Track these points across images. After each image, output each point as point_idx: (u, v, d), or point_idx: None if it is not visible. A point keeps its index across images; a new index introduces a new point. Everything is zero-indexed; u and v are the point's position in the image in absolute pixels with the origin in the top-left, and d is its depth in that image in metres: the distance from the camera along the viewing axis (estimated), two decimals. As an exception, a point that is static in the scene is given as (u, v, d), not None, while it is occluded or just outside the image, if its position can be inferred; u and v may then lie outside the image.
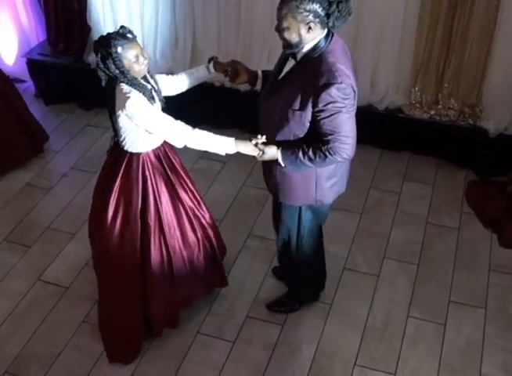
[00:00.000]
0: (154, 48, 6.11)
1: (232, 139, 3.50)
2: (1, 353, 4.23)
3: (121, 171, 3.74)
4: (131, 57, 3.39)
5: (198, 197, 4.11)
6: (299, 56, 3.29)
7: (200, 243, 4.13)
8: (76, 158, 5.91)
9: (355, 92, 3.27)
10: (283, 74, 3.39)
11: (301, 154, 3.37)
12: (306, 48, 3.23)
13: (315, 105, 3.21)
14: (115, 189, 3.76)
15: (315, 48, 3.22)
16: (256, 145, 3.46)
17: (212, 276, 4.37)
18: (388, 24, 5.28)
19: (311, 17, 3.09)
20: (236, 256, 4.87)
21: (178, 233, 3.98)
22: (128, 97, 3.39)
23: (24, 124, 5.74)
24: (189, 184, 4.03)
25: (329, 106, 3.18)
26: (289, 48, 3.27)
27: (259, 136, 3.44)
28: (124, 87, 3.43)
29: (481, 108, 5.42)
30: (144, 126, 3.47)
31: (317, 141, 3.32)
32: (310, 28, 3.13)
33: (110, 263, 3.95)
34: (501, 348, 4.22)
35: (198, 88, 3.89)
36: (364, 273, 4.65)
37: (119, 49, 3.33)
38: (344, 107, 3.20)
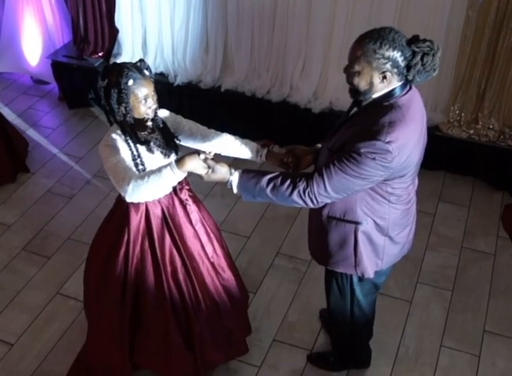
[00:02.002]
0: (184, 53, 6.00)
1: (173, 164, 2.98)
2: (17, 369, 4.11)
3: (113, 212, 3.54)
4: (140, 95, 3.03)
5: (207, 260, 3.65)
6: (364, 103, 2.89)
7: (170, 318, 3.61)
8: (99, 165, 5.72)
9: (405, 167, 2.84)
10: (346, 117, 3.01)
11: (264, 181, 2.93)
12: (376, 95, 2.83)
13: (345, 146, 2.79)
14: (107, 229, 3.58)
15: (387, 95, 2.81)
16: (204, 161, 3.01)
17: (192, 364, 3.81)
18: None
19: (388, 66, 2.71)
20: (263, 276, 4.71)
21: (151, 300, 3.58)
22: (105, 139, 3.14)
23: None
24: (192, 248, 3.58)
25: (354, 154, 2.73)
26: (355, 94, 2.87)
27: (207, 151, 3.02)
28: (113, 128, 3.15)
29: (522, 130, 5.29)
30: (107, 171, 3.13)
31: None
32: (385, 78, 2.74)
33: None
34: (537, 382, 4.08)
35: (228, 98, 3.68)
36: (396, 298, 4.49)
37: (130, 82, 2.99)
38: (367, 166, 2.74)
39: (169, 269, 3.51)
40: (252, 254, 4.77)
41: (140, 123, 3.16)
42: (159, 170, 3.01)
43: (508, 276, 4.76)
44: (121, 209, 3.42)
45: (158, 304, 3.56)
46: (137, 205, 3.34)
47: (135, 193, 3.03)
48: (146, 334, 3.67)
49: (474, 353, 4.22)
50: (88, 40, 6.35)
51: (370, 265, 3.27)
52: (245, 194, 3.04)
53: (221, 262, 3.75)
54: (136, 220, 3.39)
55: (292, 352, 4.22)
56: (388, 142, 2.69)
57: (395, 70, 2.73)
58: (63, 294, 4.58)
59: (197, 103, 5.87)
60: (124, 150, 3.13)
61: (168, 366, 3.73)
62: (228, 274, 3.78)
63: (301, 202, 2.91)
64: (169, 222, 3.45)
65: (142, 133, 3.22)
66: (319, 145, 3.31)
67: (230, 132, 3.43)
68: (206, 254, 3.65)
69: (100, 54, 6.36)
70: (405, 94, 2.83)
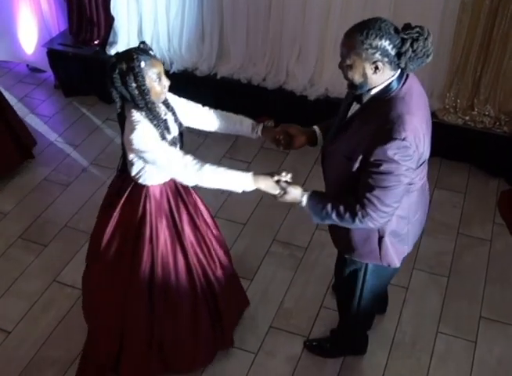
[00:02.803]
0: (180, 41, 5.99)
1: (250, 175, 3.12)
2: (14, 357, 4.11)
3: (123, 200, 3.47)
4: (153, 75, 3.04)
5: (210, 244, 3.76)
6: (365, 99, 2.86)
7: (199, 298, 3.75)
8: (95, 153, 5.77)
9: (422, 153, 2.84)
10: (349, 116, 2.98)
11: (329, 206, 2.96)
12: (374, 90, 2.81)
13: (367, 156, 2.78)
14: (114, 215, 3.50)
15: (385, 90, 2.79)
16: (277, 182, 3.11)
17: (214, 339, 3.98)
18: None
19: (377, 56, 2.66)
20: (259, 263, 4.71)
21: (173, 281, 3.63)
22: (134, 128, 3.07)
23: (12, 128, 5.46)
24: (201, 228, 3.69)
25: (382, 163, 2.74)
26: (353, 88, 2.85)
27: (283, 173, 3.11)
28: (135, 115, 3.11)
29: (518, 116, 5.28)
30: (149, 162, 3.16)
31: (352, 196, 2.92)
32: (377, 68, 2.70)
33: (93, 303, 3.79)
34: (534, 368, 4.09)
35: (224, 85, 3.67)
36: (392, 285, 4.45)
37: (142, 64, 2.99)
38: (398, 170, 2.75)
39: (190, 246, 3.63)
40: (248, 242, 4.77)
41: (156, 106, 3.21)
42: (235, 171, 3.13)
43: (504, 262, 4.76)
44: (138, 196, 3.43)
45: (188, 283, 3.68)
46: (156, 187, 3.41)
47: (205, 180, 3.13)
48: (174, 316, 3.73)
49: (470, 339, 4.23)
50: (83, 28, 6.32)
51: (397, 255, 3.29)
52: (314, 217, 3.09)
53: (214, 257, 3.82)
54: (157, 202, 3.45)
55: (289, 339, 4.22)
56: (404, 139, 2.70)
57: (386, 59, 2.69)
58: (60, 281, 4.58)
59: (193, 90, 5.85)
60: (155, 133, 3.16)
61: (197, 348, 3.88)
62: (218, 274, 3.85)
63: (365, 227, 2.97)
64: (184, 198, 3.57)
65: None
66: (316, 127, 3.34)
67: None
68: (211, 231, 3.79)
69: (96, 42, 6.32)
70: (403, 85, 2.81)
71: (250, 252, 4.63)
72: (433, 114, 5.31)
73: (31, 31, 6.59)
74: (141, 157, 3.15)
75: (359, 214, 2.89)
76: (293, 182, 3.15)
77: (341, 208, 2.93)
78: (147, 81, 3.03)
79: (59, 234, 4.95)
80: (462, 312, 4.41)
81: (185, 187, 3.57)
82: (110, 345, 3.80)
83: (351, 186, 2.94)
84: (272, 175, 3.13)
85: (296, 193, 3.08)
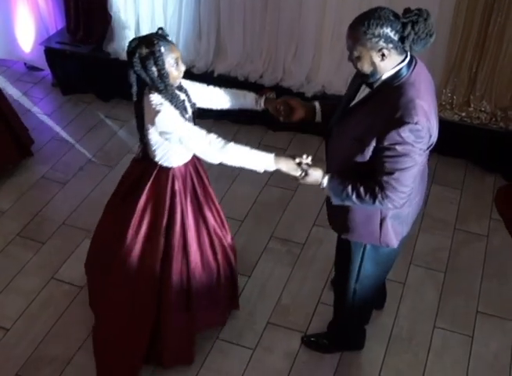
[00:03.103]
0: (177, 39, 5.98)
1: (272, 156, 3.20)
2: (11, 355, 4.11)
3: (148, 184, 3.56)
4: (171, 60, 3.18)
5: (222, 216, 3.93)
6: (376, 84, 2.95)
7: (220, 266, 3.93)
8: (93, 151, 5.78)
9: (431, 136, 2.93)
10: (355, 101, 3.08)
11: (349, 188, 3.03)
12: (385, 75, 2.89)
13: (381, 140, 2.86)
14: (141, 201, 3.58)
15: (395, 76, 2.88)
16: (299, 164, 3.17)
17: (229, 303, 4.20)
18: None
19: (382, 43, 2.75)
20: (257, 259, 4.73)
21: (198, 254, 3.77)
22: (159, 111, 3.19)
23: (11, 127, 5.46)
24: (215, 202, 3.86)
25: (397, 146, 2.83)
26: (364, 78, 2.95)
27: (304, 156, 3.16)
28: (155, 98, 3.24)
29: (514, 112, 5.29)
30: (175, 142, 3.27)
31: (371, 180, 3.00)
32: (384, 55, 2.78)
33: (125, 283, 3.79)
34: (530, 362, 4.11)
35: (222, 83, 3.73)
36: (390, 280, 4.48)
37: (162, 49, 3.14)
38: (412, 152, 2.85)
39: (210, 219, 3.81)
40: (246, 238, 4.78)
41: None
42: (257, 151, 3.23)
43: (501, 257, 4.78)
44: (165, 178, 3.55)
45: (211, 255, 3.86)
46: (181, 168, 3.56)
47: (228, 157, 3.23)
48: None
49: (467, 334, 4.25)
50: (81, 26, 6.32)
51: (396, 236, 3.36)
52: (334, 199, 3.15)
53: (226, 226, 4.01)
54: (184, 181, 3.60)
55: (286, 335, 4.24)
56: (416, 123, 2.80)
57: (391, 45, 2.77)
58: (58, 278, 4.58)
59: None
60: (177, 113, 3.28)
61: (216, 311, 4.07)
62: (229, 241, 4.04)
63: (384, 208, 3.08)
64: (202, 176, 3.74)
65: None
66: (316, 103, 3.43)
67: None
68: (218, 213, 3.93)
69: (93, 40, 6.32)
70: (412, 71, 2.89)
71: (248, 249, 4.64)
72: (429, 111, 5.37)
73: (29, 30, 6.59)
74: (166, 139, 3.28)
75: (379, 196, 2.98)
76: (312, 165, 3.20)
77: (362, 190, 3.01)
78: (166, 66, 3.16)
79: (57, 232, 4.96)
80: (459, 307, 4.43)
81: (202, 166, 3.73)
82: (143, 336, 3.85)
83: (356, 167, 3.04)
84: (293, 157, 3.19)
85: (317, 175, 3.13)
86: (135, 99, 3.33)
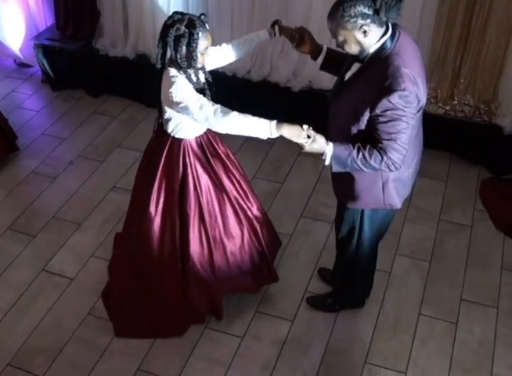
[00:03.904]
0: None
1: (274, 122, 3.23)
2: (3, 345, 4.16)
3: (164, 155, 3.73)
4: (202, 47, 3.34)
5: (246, 188, 4.04)
6: (366, 59, 3.13)
7: (245, 235, 4.06)
8: (83, 146, 5.83)
9: (419, 100, 3.09)
10: (349, 74, 3.25)
11: (355, 152, 3.14)
12: (372, 49, 3.07)
13: (373, 109, 3.04)
14: (158, 173, 3.76)
15: (381, 49, 3.05)
16: (306, 131, 3.17)
17: (260, 272, 4.27)
18: (405, 18, 5.17)
19: (360, 21, 2.93)
20: (245, 250, 4.76)
21: (220, 222, 3.93)
22: (173, 82, 3.34)
23: None
24: (236, 174, 3.96)
25: (388, 112, 3.01)
26: (355, 57, 3.17)
27: (305, 126, 3.19)
28: (172, 72, 3.38)
29: (497, 105, 5.35)
30: (185, 112, 3.38)
31: (372, 146, 3.16)
32: (365, 32, 2.96)
33: (149, 250, 3.96)
34: (513, 347, 4.19)
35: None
36: (376, 270, 4.54)
37: (200, 34, 3.28)
38: (404, 116, 3.03)
39: (230, 191, 3.95)
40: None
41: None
42: (259, 118, 3.27)
43: (484, 246, 4.85)
44: (177, 150, 3.72)
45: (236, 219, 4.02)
46: (192, 140, 3.72)
47: (230, 125, 3.31)
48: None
49: (451, 321, 4.31)
50: (70, 23, 6.36)
51: (399, 198, 3.54)
52: (336, 165, 3.23)
53: (250, 198, 4.14)
54: (195, 153, 3.75)
55: (274, 323, 4.30)
56: (404, 89, 2.97)
57: (369, 20, 2.94)
58: (48, 270, 4.64)
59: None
60: (190, 85, 3.43)
61: (245, 278, 4.21)
62: (256, 213, 4.18)
63: (387, 170, 3.21)
64: (217, 149, 3.88)
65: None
66: (325, 46, 3.60)
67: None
68: (240, 185, 4.06)
69: (82, 37, 6.35)
70: (396, 42, 3.06)
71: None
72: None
73: (18, 26, 6.62)
74: (177, 110, 3.40)
75: (384, 158, 3.12)
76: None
77: (367, 154, 3.13)
78: (197, 50, 3.31)
79: (48, 225, 5.01)
80: (443, 294, 4.49)
81: (217, 139, 3.87)
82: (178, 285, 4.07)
83: (355, 138, 3.19)
84: (301, 124, 3.21)
85: (322, 142, 3.19)
86: (159, 66, 3.45)
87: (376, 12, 2.92)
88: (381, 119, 3.05)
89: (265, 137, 3.30)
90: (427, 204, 5.20)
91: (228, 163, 3.92)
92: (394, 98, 2.98)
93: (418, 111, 3.17)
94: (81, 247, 4.81)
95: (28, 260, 4.72)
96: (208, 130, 3.74)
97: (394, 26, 3.10)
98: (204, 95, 3.52)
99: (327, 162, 3.22)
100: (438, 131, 5.50)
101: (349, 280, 4.19)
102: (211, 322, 4.28)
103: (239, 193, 3.99)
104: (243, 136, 3.39)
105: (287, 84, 5.78)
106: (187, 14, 3.35)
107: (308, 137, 3.16)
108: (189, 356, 4.09)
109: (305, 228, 4.97)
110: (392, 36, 3.07)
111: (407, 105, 3.01)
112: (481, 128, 5.38)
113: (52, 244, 4.84)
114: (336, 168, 3.25)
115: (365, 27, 2.95)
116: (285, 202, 5.21)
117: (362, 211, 3.63)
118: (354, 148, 3.15)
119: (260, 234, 4.16)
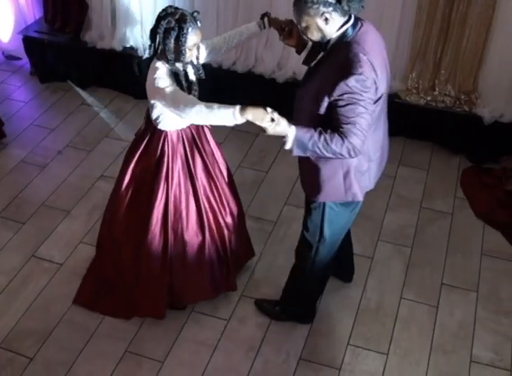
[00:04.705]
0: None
1: (238, 107, 3.17)
2: (-6, 328, 4.24)
3: (144, 142, 3.81)
4: (191, 43, 3.40)
5: (224, 192, 4.07)
6: (328, 46, 3.20)
7: (206, 237, 4.04)
8: (71, 136, 5.89)
9: (377, 88, 3.12)
10: (314, 62, 3.32)
11: (316, 135, 3.11)
12: (334, 36, 3.14)
13: (332, 93, 3.06)
14: (135, 158, 3.84)
15: (342, 36, 3.13)
16: (268, 114, 3.11)
17: (219, 277, 4.27)
18: (387, 10, 5.31)
19: (322, 8, 3.00)
20: (230, 236, 4.84)
21: (184, 218, 3.92)
22: (155, 72, 3.42)
23: None
24: (215, 175, 3.99)
25: (345, 96, 3.04)
26: (317, 44, 3.25)
27: (269, 109, 3.13)
28: (157, 63, 3.46)
29: (477, 95, 5.44)
30: (160, 101, 3.45)
31: (333, 130, 3.14)
32: (327, 19, 3.04)
33: (111, 225, 4.10)
34: (492, 330, 4.27)
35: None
36: (358, 255, 4.64)
37: (189, 29, 3.35)
38: (361, 100, 3.04)
39: (202, 190, 3.95)
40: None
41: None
42: (224, 107, 3.23)
43: (464, 233, 4.95)
44: (157, 139, 3.77)
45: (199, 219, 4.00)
46: (174, 133, 3.76)
47: (196, 117, 3.34)
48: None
49: (432, 304, 4.41)
50: (58, 16, 6.40)
51: (360, 189, 3.54)
52: (297, 149, 3.21)
53: (224, 203, 4.14)
54: (174, 146, 3.78)
55: (259, 306, 4.39)
56: (361, 73, 3.01)
57: (330, 8, 3.02)
58: (38, 256, 4.70)
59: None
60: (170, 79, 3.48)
61: (202, 283, 4.20)
62: (227, 220, 4.18)
63: (347, 155, 3.18)
64: (200, 146, 3.89)
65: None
66: (309, 42, 3.58)
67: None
68: (225, 180, 4.11)
69: (71, 30, 6.37)
70: (358, 31, 3.14)
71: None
72: (396, 95, 5.52)
73: (7, 19, 6.66)
74: (156, 100, 3.47)
75: (345, 142, 3.10)
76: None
77: (328, 138, 3.12)
78: (185, 45, 3.37)
79: (37, 213, 5.07)
80: (424, 279, 4.58)
81: (203, 136, 3.90)
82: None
83: (318, 123, 3.18)
84: (264, 107, 3.17)
85: (285, 124, 3.17)
86: (149, 55, 3.53)
87: (339, 1, 3.01)
88: (340, 103, 3.07)
89: (231, 124, 3.27)
90: (408, 192, 5.29)
91: (209, 162, 3.93)
92: (351, 81, 3.01)
93: (377, 101, 3.19)
94: (69, 234, 4.88)
95: (18, 246, 4.79)
96: (193, 125, 3.78)
97: (358, 18, 3.19)
98: (191, 91, 3.61)
99: (288, 146, 3.19)
100: (419, 121, 5.63)
101: (299, 288, 4.16)
102: (198, 305, 4.35)
103: (214, 195, 4.01)
104: (228, 127, 3.44)
105: (272, 75, 5.86)
106: (181, 9, 3.42)
107: (272, 120, 3.14)
108: (176, 338, 4.17)
109: (290, 215, 5.06)
110: (354, 26, 3.14)
111: (364, 89, 3.04)
112: (461, 118, 5.47)
113: (41, 231, 4.90)
114: (297, 152, 3.22)
115: (327, 15, 3.03)
116: (270, 190, 5.29)
117: (324, 208, 3.62)
118: (316, 131, 3.15)
119: (226, 241, 4.16)
